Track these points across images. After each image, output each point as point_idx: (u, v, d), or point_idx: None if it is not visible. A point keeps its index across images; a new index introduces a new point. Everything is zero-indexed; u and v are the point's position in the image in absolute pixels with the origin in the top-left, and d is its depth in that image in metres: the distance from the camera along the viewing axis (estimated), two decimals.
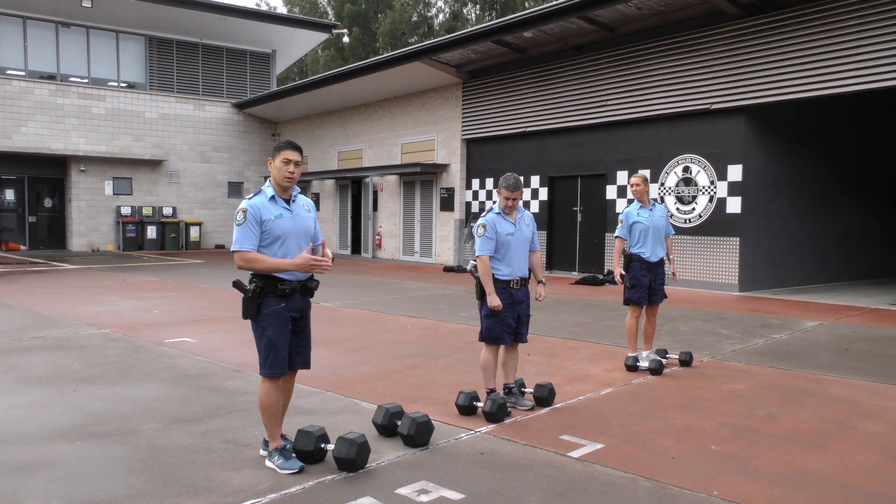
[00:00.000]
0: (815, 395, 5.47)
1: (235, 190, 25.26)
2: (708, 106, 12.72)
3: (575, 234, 15.79)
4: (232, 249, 3.72)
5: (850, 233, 15.43)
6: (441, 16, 42.13)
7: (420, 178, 19.57)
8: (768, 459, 4.02)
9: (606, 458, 4.00)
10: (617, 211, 14.16)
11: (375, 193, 21.19)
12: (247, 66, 25.73)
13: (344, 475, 3.67)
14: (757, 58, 11.98)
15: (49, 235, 23.04)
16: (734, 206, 12.54)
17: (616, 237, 6.50)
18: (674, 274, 6.66)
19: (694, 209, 13.14)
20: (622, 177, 14.44)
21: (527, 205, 16.27)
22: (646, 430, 4.51)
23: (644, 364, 6.25)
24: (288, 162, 3.76)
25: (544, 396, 5.01)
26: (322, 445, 3.81)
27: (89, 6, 20.76)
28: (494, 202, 5.13)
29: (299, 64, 41.16)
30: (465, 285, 13.21)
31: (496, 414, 4.61)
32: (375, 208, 21.23)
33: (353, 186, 22.28)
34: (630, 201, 9.78)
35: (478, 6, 41.13)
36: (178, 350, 6.92)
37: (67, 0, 20.69)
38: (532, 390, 5.08)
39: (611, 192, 14.73)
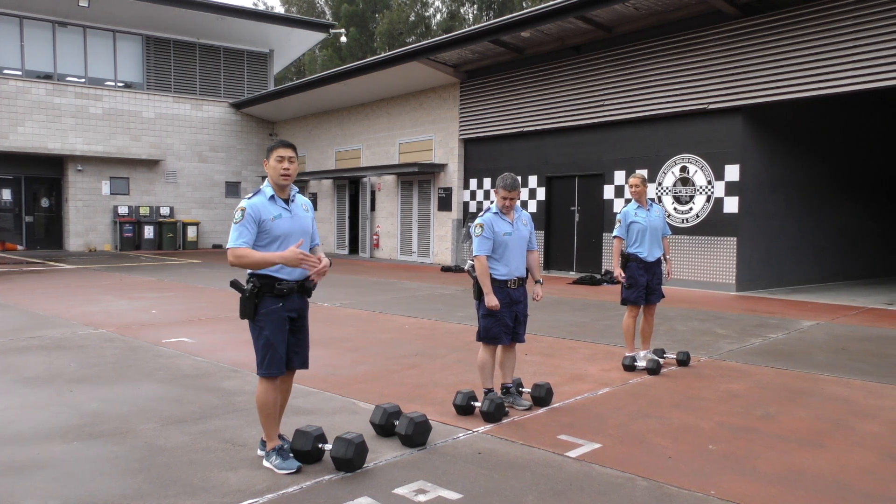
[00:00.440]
0: (813, 395, 5.48)
1: (233, 190, 25.22)
2: (705, 106, 12.74)
3: (572, 233, 15.79)
4: (226, 247, 3.72)
5: (846, 232, 15.46)
6: (438, 15, 42.15)
7: (418, 178, 19.56)
8: (765, 459, 4.03)
9: (604, 457, 4.00)
10: (614, 211, 14.16)
11: (373, 193, 21.17)
12: (244, 66, 25.70)
13: (341, 475, 3.66)
14: (754, 58, 12.00)
15: (46, 235, 22.99)
16: (731, 205, 12.55)
17: (614, 237, 6.51)
18: (668, 273, 6.67)
19: (691, 209, 13.16)
20: (619, 177, 14.45)
21: (524, 205, 16.27)
22: (643, 430, 4.52)
23: (641, 364, 6.25)
24: (282, 159, 3.75)
25: (542, 396, 5.01)
26: (319, 445, 3.81)
27: (86, 6, 20.72)
28: (492, 202, 5.13)
29: (297, 64, 41.13)
30: (463, 285, 13.21)
31: (494, 414, 4.61)
32: (373, 208, 21.21)
33: (351, 186, 22.26)
34: (628, 201, 9.78)
35: (475, 6, 41.13)
36: (176, 350, 6.91)
37: None
38: (530, 390, 5.08)
39: (608, 191, 14.73)
